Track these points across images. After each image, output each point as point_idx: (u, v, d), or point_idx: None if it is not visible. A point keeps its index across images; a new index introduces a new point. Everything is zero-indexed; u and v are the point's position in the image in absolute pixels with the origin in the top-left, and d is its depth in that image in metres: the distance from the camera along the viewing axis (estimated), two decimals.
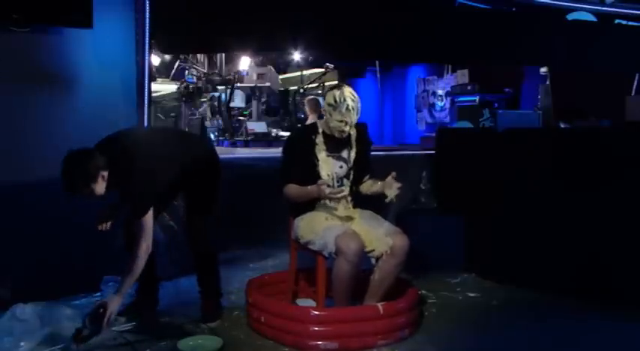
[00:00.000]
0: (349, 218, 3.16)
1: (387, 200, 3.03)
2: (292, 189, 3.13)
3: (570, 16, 6.00)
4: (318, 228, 3.05)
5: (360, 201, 3.28)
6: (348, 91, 3.11)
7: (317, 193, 3.01)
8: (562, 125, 5.22)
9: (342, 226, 3.05)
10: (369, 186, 3.24)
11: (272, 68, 6.25)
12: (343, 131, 3.11)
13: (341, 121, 3.08)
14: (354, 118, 3.10)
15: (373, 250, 3.01)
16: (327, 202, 3.18)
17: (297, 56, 6.91)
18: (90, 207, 3.65)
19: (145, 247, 2.82)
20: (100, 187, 2.77)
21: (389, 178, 3.02)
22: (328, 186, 3.10)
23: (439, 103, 7.75)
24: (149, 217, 2.85)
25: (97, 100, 3.69)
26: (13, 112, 3.44)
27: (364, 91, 8.51)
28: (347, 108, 3.06)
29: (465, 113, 6.56)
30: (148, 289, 3.28)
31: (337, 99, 3.07)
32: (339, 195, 3.07)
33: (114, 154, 2.81)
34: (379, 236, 3.02)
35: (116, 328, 2.99)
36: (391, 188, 3.00)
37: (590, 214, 3.63)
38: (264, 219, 3.80)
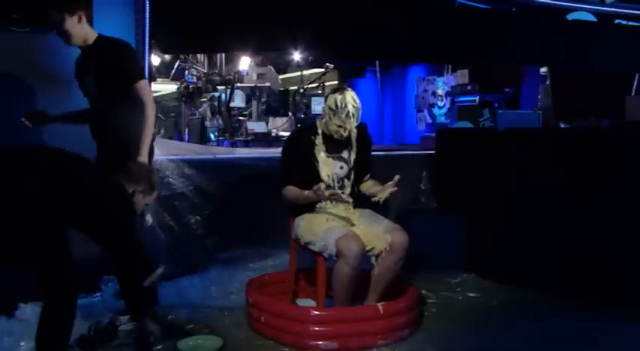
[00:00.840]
0: (350, 219, 3.16)
1: (374, 200, 3.03)
2: (290, 192, 3.12)
3: (570, 16, 5.99)
4: (318, 229, 3.04)
5: (360, 200, 3.28)
6: (350, 96, 3.10)
7: (315, 198, 3.01)
8: (562, 125, 5.21)
9: (342, 227, 3.04)
10: (368, 187, 3.24)
11: (272, 68, 6.23)
12: (341, 135, 3.12)
13: (340, 126, 3.09)
14: (353, 124, 3.10)
15: (372, 248, 3.01)
16: (328, 203, 3.18)
17: (297, 56, 6.89)
18: None
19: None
20: (74, 27, 2.95)
21: (389, 183, 3.01)
22: (329, 187, 3.10)
23: (439, 103, 7.74)
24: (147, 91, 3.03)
25: None
26: (13, 112, 3.44)
27: (364, 91, 8.49)
28: (347, 114, 3.06)
29: (465, 113, 6.55)
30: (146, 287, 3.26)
31: (338, 104, 3.06)
32: (338, 198, 3.06)
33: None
34: (378, 234, 3.02)
35: (121, 328, 3.00)
36: (384, 192, 3.00)
37: (590, 213, 3.63)
38: (264, 219, 3.80)
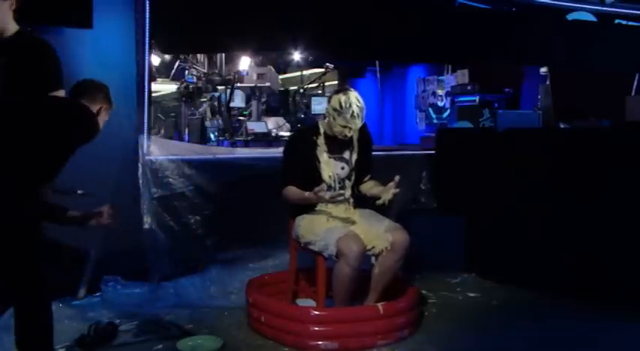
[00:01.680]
0: (350, 220, 3.15)
1: (378, 202, 3.03)
2: (291, 192, 3.12)
3: (570, 16, 5.99)
4: (318, 229, 3.04)
5: (360, 201, 3.27)
6: (354, 96, 3.09)
7: (316, 199, 3.00)
8: (562, 125, 5.21)
9: (343, 227, 3.04)
10: (369, 187, 3.24)
11: (272, 68, 6.23)
12: (346, 136, 3.11)
13: (344, 127, 3.07)
14: (358, 124, 3.09)
15: (373, 248, 3.01)
16: (327, 205, 3.17)
17: (297, 56, 6.88)
18: (90, 207, 3.66)
19: None
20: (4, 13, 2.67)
21: (390, 184, 3.00)
22: (330, 187, 3.10)
23: (439, 103, 7.74)
24: None
25: None
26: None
27: (364, 91, 8.42)
28: (352, 114, 3.05)
29: (465, 113, 6.55)
30: None
31: (343, 104, 3.05)
32: (340, 199, 3.06)
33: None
34: (379, 233, 3.02)
35: (121, 328, 3.00)
36: (387, 193, 2.99)
37: (590, 213, 3.63)
38: (264, 219, 3.80)
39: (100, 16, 3.55)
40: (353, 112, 3.04)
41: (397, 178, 2.98)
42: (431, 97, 7.91)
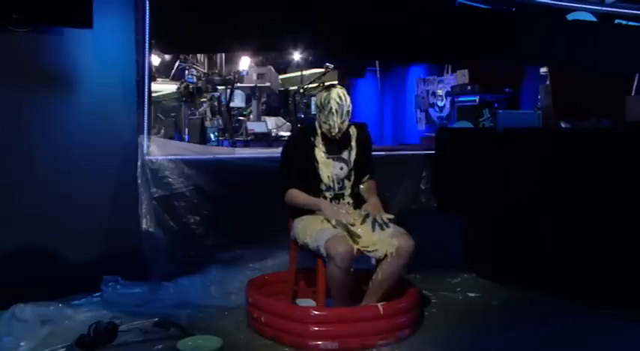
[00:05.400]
0: (351, 222, 3.14)
1: (364, 209, 3.07)
2: (297, 196, 3.12)
3: (570, 16, 5.99)
4: (312, 231, 3.04)
5: (361, 201, 3.27)
6: (335, 93, 3.10)
7: (316, 208, 3.01)
8: (562, 125, 5.21)
9: (334, 229, 3.03)
10: (363, 191, 3.24)
11: (272, 68, 6.23)
12: (331, 133, 3.12)
13: (325, 123, 3.10)
14: (337, 121, 3.09)
15: (376, 250, 2.99)
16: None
17: (297, 56, 6.90)
18: (90, 207, 3.67)
19: None
20: None
21: (384, 216, 3.06)
22: (329, 188, 3.10)
23: (439, 103, 7.74)
24: None
25: (97, 100, 3.69)
26: (14, 111, 3.45)
27: (364, 91, 8.47)
28: (330, 111, 3.07)
29: (465, 113, 6.55)
30: None
31: (323, 101, 3.09)
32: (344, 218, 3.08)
33: None
34: (384, 238, 3.01)
35: (121, 328, 3.00)
36: (372, 212, 3.03)
37: (590, 214, 3.63)
38: (264, 219, 3.80)
39: (100, 16, 3.55)
40: (331, 108, 3.06)
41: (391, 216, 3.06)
42: (431, 97, 7.91)
